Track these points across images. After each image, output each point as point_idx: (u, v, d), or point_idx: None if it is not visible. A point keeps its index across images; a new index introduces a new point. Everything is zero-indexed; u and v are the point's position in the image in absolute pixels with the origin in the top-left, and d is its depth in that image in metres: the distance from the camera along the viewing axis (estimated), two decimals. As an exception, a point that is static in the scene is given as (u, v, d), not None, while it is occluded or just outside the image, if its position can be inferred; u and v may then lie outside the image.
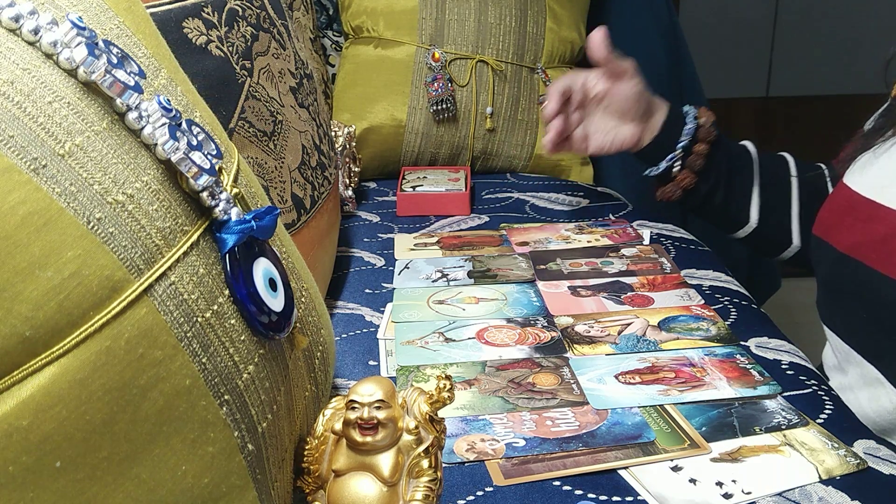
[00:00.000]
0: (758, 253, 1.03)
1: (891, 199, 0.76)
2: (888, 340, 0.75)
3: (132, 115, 0.44)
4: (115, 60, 0.44)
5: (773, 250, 1.04)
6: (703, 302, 0.92)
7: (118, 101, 0.44)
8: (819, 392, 0.76)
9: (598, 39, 1.00)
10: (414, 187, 1.25)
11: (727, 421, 0.70)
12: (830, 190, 0.98)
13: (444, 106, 1.37)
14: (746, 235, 1.04)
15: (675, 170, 1.04)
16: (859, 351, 0.79)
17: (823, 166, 1.03)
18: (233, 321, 0.46)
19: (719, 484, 0.63)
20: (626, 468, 0.65)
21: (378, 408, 0.51)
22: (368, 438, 0.51)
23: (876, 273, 0.74)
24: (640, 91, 1.03)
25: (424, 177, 1.30)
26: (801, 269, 1.03)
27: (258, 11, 0.87)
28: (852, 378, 0.81)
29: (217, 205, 0.47)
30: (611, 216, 1.19)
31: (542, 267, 1.01)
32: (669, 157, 1.03)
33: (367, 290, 0.98)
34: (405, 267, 1.03)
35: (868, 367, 0.78)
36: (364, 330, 0.89)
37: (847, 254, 0.79)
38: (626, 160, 1.17)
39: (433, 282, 0.98)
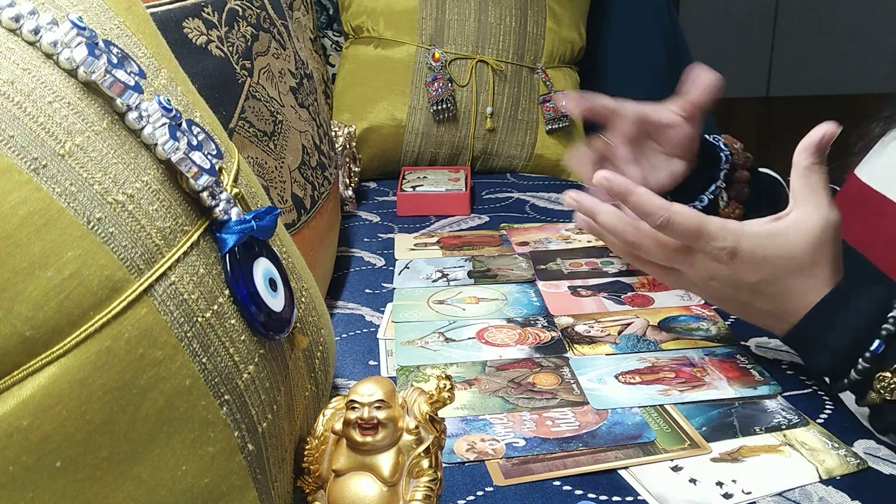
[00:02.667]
0: None
1: None
2: None
3: (132, 115, 0.44)
4: (115, 60, 0.44)
5: None
6: (703, 302, 0.92)
7: (118, 101, 0.44)
8: (819, 392, 0.76)
9: (706, 81, 0.90)
10: (414, 187, 1.25)
11: (727, 421, 0.70)
12: None
13: (444, 106, 1.37)
14: None
15: (721, 203, 0.95)
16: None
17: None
18: (233, 321, 0.46)
19: (719, 484, 0.63)
20: (626, 468, 0.65)
21: (378, 408, 0.51)
22: (368, 438, 0.51)
23: (882, 274, 0.73)
24: (698, 130, 0.92)
25: (424, 177, 1.30)
26: None
27: (258, 11, 0.87)
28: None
29: (217, 205, 0.47)
30: (611, 216, 1.18)
31: (542, 267, 1.01)
32: (713, 188, 0.94)
33: (367, 290, 0.98)
34: (405, 267, 1.03)
35: None
36: (364, 330, 0.89)
37: (854, 248, 0.79)
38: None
39: (433, 282, 0.98)
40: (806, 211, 0.67)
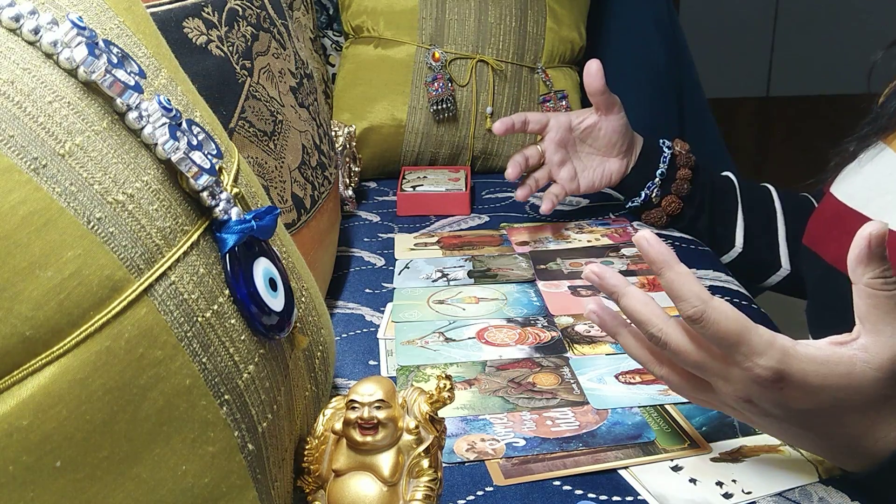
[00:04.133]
0: (745, 279, 1.02)
1: (875, 213, 0.75)
2: None
3: (132, 115, 0.44)
4: (115, 60, 0.44)
5: (761, 275, 1.06)
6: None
7: (118, 100, 0.44)
8: (819, 392, 0.76)
9: (594, 71, 1.03)
10: (414, 187, 1.25)
11: (727, 421, 0.70)
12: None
13: (444, 106, 1.37)
14: (732, 260, 1.08)
15: (657, 196, 1.09)
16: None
17: (809, 196, 1.06)
18: (233, 321, 0.46)
19: (719, 484, 0.63)
20: (626, 468, 0.65)
21: (378, 408, 0.51)
22: (368, 438, 0.51)
23: None
24: (626, 124, 1.07)
25: (424, 177, 1.30)
26: (789, 295, 1.05)
27: (258, 11, 0.87)
28: None
29: (217, 205, 0.47)
30: (611, 216, 1.19)
31: (542, 267, 1.01)
32: (649, 184, 1.08)
33: (367, 290, 0.98)
34: (405, 267, 1.03)
35: None
36: (364, 330, 0.89)
37: (834, 266, 0.79)
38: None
39: (433, 282, 0.98)
40: (879, 340, 0.53)
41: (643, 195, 1.09)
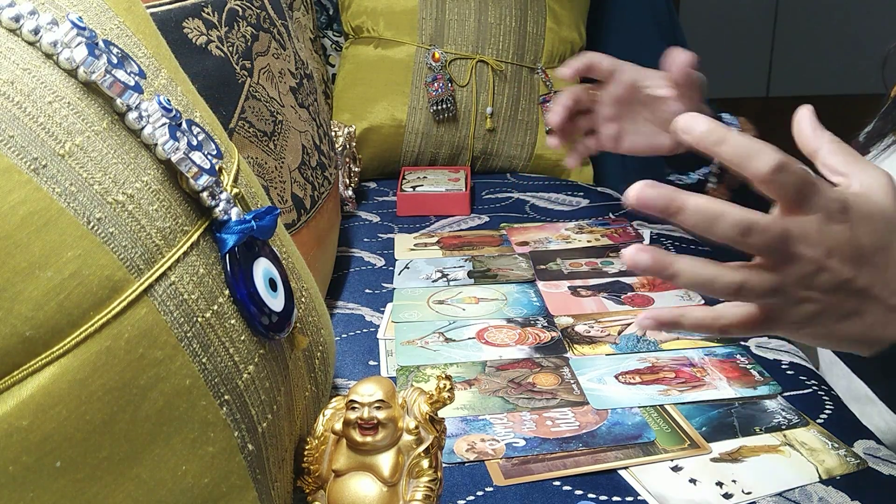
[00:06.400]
0: None
1: None
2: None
3: (132, 115, 0.44)
4: (115, 60, 0.44)
5: None
6: (702, 302, 0.92)
7: (118, 101, 0.44)
8: (819, 392, 0.76)
9: (680, 61, 0.89)
10: (414, 187, 1.25)
11: (727, 421, 0.70)
12: None
13: (444, 106, 1.37)
14: None
15: (709, 185, 0.95)
16: (851, 367, 0.75)
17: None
18: (233, 321, 0.46)
19: (719, 484, 0.63)
20: (626, 468, 0.65)
21: (378, 408, 0.51)
22: (368, 438, 0.51)
23: None
24: (700, 107, 0.91)
25: (424, 177, 1.30)
26: None
27: (258, 11, 0.87)
28: (841, 390, 0.80)
29: (217, 205, 0.47)
30: (611, 216, 1.19)
31: (542, 267, 1.01)
32: (704, 169, 0.95)
33: (367, 290, 0.98)
34: (405, 267, 1.03)
35: (857, 382, 0.76)
36: (364, 330, 0.89)
37: None
38: (626, 160, 1.17)
39: (433, 282, 0.98)
40: (866, 174, 0.57)
41: (693, 177, 0.95)
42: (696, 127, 0.52)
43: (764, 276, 0.54)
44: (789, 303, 0.55)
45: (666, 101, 0.91)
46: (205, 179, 0.46)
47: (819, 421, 0.71)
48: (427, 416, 0.53)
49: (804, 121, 0.59)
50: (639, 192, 0.51)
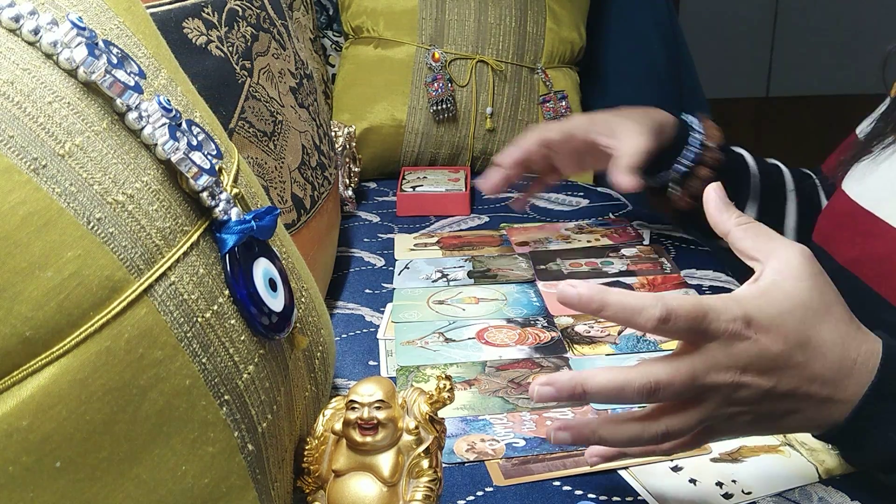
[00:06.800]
0: (738, 260, 1.00)
1: (889, 214, 0.72)
2: None
3: (132, 115, 0.44)
4: (115, 60, 0.44)
5: None
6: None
7: (118, 101, 0.44)
8: (819, 392, 0.76)
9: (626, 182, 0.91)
10: (414, 187, 1.25)
11: (727, 421, 0.70)
12: (822, 199, 0.98)
13: (444, 106, 1.37)
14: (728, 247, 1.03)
15: (670, 190, 0.99)
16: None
17: (813, 175, 1.01)
18: (233, 321, 0.46)
19: (719, 484, 0.63)
20: (626, 468, 0.65)
21: (378, 408, 0.51)
22: (368, 438, 0.51)
23: (873, 293, 0.71)
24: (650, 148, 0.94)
25: (424, 177, 1.30)
26: None
27: (258, 11, 0.87)
28: None
29: (217, 205, 0.47)
30: (611, 216, 1.19)
31: (542, 267, 1.01)
32: (663, 174, 0.98)
33: (367, 290, 0.98)
34: (405, 267, 1.03)
35: None
36: (364, 330, 0.89)
37: (846, 267, 0.77)
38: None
39: (433, 282, 0.98)
40: (778, 258, 0.56)
41: (655, 182, 1.00)
42: (571, 299, 0.52)
43: (684, 416, 0.54)
44: (720, 421, 0.56)
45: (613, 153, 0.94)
46: (205, 179, 0.46)
47: (819, 421, 0.71)
48: (427, 416, 0.53)
49: (710, 203, 0.58)
50: (538, 390, 0.53)
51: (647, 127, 0.94)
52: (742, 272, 1.04)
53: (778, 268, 0.56)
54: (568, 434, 0.55)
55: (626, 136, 0.93)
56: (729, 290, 0.96)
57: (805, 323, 0.54)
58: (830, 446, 0.66)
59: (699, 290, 0.95)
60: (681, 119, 1.00)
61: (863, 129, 0.88)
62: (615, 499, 0.62)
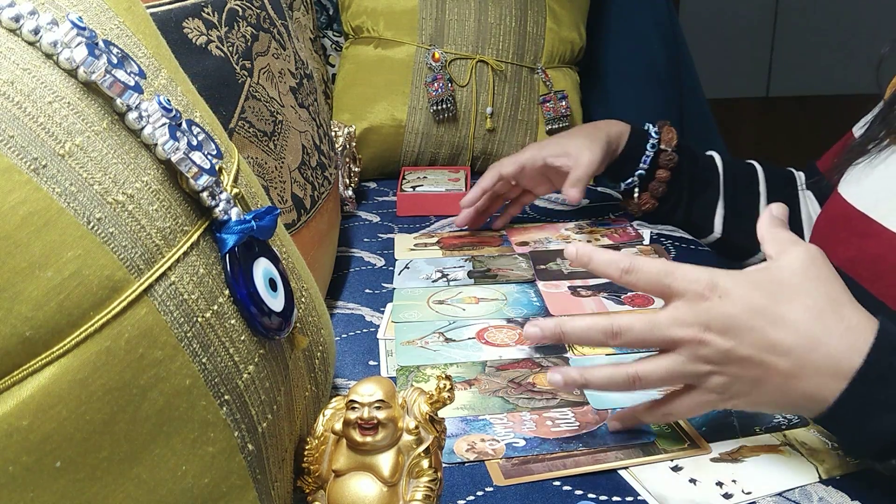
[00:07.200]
0: (724, 257, 1.07)
1: (884, 216, 0.73)
2: None
3: (132, 115, 0.44)
4: (115, 60, 0.44)
5: (740, 256, 1.06)
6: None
7: (118, 101, 0.44)
8: (819, 392, 0.76)
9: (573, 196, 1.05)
10: (414, 187, 1.25)
11: (727, 421, 0.70)
12: (802, 207, 1.00)
13: (444, 106, 1.37)
14: (710, 243, 1.08)
15: (635, 194, 1.08)
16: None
17: (795, 172, 1.04)
18: (233, 321, 0.46)
19: (719, 484, 0.63)
20: (626, 468, 0.65)
21: (378, 408, 0.51)
22: (368, 438, 0.51)
23: (867, 293, 0.71)
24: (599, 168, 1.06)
25: (424, 177, 1.30)
26: None
27: (258, 11, 0.87)
28: None
29: (217, 205, 0.47)
30: (611, 216, 1.19)
31: (542, 267, 1.01)
32: (627, 181, 1.08)
33: (367, 290, 0.98)
34: (405, 267, 1.03)
35: None
36: (364, 330, 0.89)
37: (841, 268, 0.77)
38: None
39: (433, 282, 0.98)
40: (787, 251, 0.61)
41: (621, 186, 1.09)
42: (570, 254, 0.65)
43: (654, 362, 0.62)
44: (697, 378, 0.61)
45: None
46: (205, 179, 0.46)
47: (819, 421, 0.71)
48: (427, 416, 0.53)
49: (763, 224, 0.65)
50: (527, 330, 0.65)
51: (597, 141, 1.04)
52: (723, 254, 1.05)
53: (779, 258, 0.61)
54: (559, 377, 0.64)
55: (576, 153, 1.04)
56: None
57: (774, 296, 0.59)
58: (831, 445, 0.66)
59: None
60: (637, 127, 1.08)
61: (859, 128, 0.88)
62: (615, 499, 0.62)
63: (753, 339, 0.58)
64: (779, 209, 0.66)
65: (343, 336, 0.88)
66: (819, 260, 0.61)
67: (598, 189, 1.33)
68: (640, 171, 1.06)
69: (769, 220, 0.65)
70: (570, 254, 0.65)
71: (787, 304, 0.58)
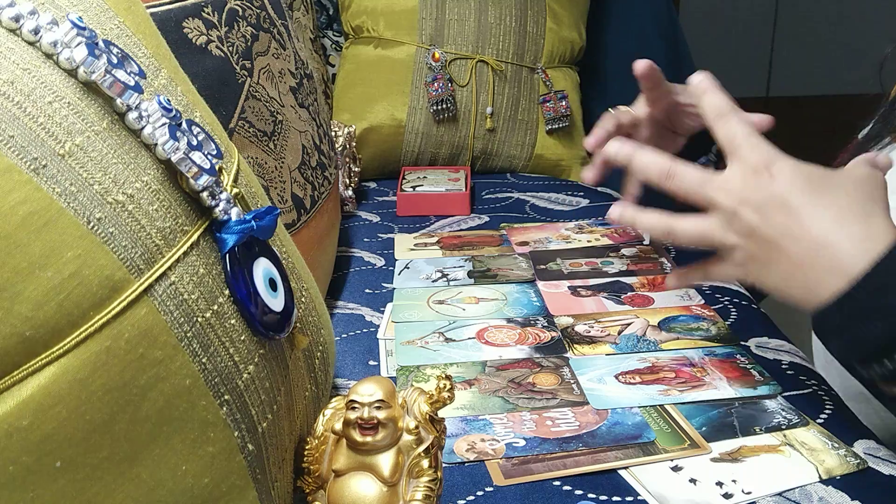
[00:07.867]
0: None
1: None
2: None
3: (132, 115, 0.44)
4: (115, 60, 0.44)
5: None
6: (703, 302, 0.92)
7: (118, 101, 0.44)
8: (819, 392, 0.76)
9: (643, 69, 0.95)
10: (414, 187, 1.25)
11: (727, 421, 0.70)
12: None
13: (444, 106, 1.37)
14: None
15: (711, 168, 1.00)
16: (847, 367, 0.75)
17: None
18: (233, 321, 0.46)
19: (719, 484, 0.63)
20: (626, 468, 0.65)
21: (378, 408, 0.51)
22: (368, 438, 0.51)
23: None
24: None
25: (424, 177, 1.30)
26: None
27: (258, 11, 0.87)
28: (837, 389, 0.79)
29: (217, 205, 0.47)
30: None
31: (542, 267, 1.01)
32: (703, 158, 0.97)
33: (367, 290, 0.98)
34: (405, 267, 1.03)
35: (852, 381, 0.76)
36: (364, 330, 0.89)
37: None
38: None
39: (433, 282, 0.98)
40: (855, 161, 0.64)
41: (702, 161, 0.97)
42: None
43: (691, 220, 0.65)
44: (725, 250, 0.64)
45: (683, 108, 0.94)
46: (205, 179, 0.46)
47: (819, 421, 0.71)
48: (427, 416, 0.53)
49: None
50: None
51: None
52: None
53: (852, 168, 0.63)
54: (618, 211, 0.70)
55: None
56: (729, 290, 0.96)
57: (814, 189, 0.60)
58: (831, 445, 0.66)
59: (699, 289, 0.95)
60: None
61: (861, 134, 0.88)
62: (615, 499, 0.62)
63: (777, 222, 0.60)
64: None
65: (343, 336, 0.88)
66: (876, 179, 0.62)
67: (598, 189, 1.33)
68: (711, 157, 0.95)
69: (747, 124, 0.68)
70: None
71: (819, 197, 0.60)
